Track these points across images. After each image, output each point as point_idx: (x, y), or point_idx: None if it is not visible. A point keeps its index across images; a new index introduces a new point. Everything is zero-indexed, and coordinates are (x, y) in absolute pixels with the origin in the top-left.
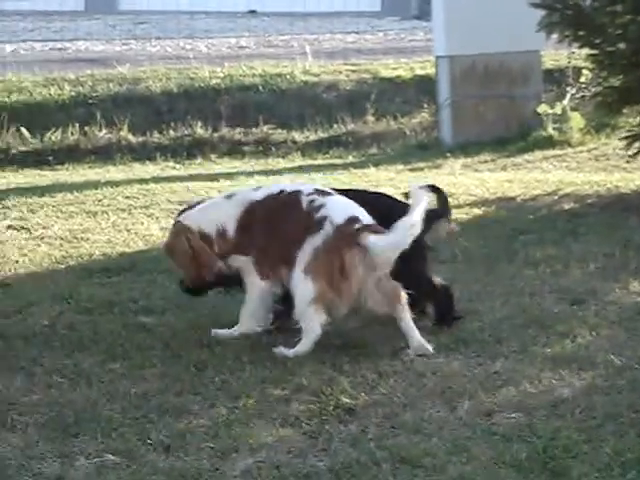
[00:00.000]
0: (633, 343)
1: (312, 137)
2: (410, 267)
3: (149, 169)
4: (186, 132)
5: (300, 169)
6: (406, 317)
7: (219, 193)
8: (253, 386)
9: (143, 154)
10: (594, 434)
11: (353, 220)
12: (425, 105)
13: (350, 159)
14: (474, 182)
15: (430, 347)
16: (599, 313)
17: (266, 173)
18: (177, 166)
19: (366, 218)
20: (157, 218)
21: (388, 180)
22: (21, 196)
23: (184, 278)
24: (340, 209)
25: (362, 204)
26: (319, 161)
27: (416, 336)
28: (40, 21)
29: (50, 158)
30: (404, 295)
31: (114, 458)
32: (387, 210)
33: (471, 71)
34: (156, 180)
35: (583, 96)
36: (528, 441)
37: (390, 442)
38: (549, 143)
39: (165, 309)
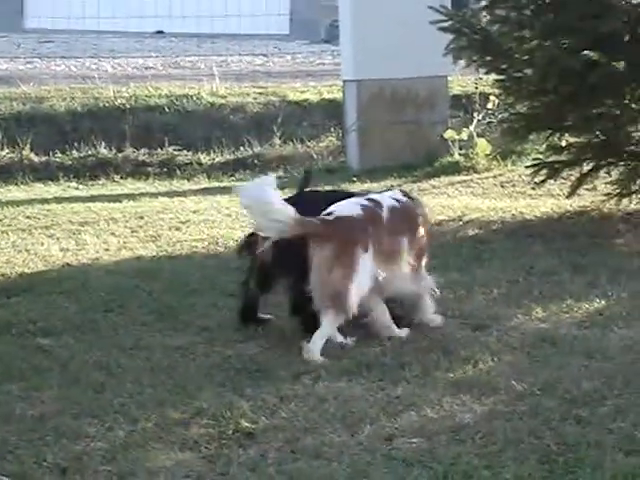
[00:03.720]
0: (535, 369)
1: (218, 159)
2: None
3: (51, 189)
4: (90, 152)
5: (205, 191)
6: None
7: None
8: (152, 409)
9: (45, 174)
10: (494, 460)
11: None
12: (332, 129)
13: None
14: None
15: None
16: (501, 339)
17: (170, 195)
18: (80, 186)
19: None
20: (58, 239)
21: None
22: None
23: None
24: None
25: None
26: (225, 183)
27: None
28: None
29: None
30: None
31: None
32: None
33: (378, 96)
34: (58, 200)
35: (490, 122)
36: (428, 466)
37: (290, 467)
38: (455, 169)
39: (64, 330)
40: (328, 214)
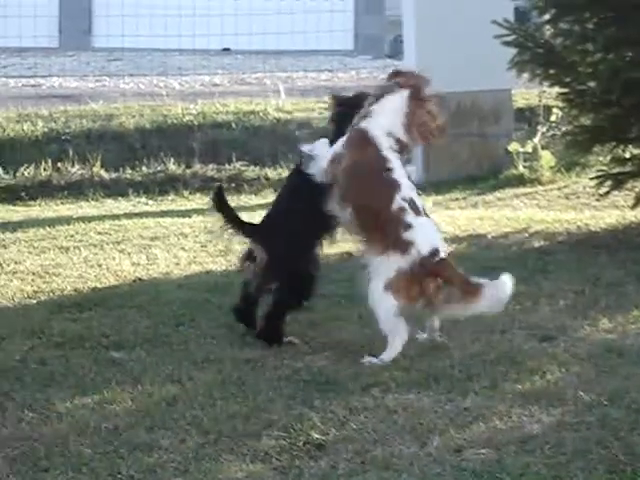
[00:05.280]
0: (602, 380)
1: (285, 174)
2: None
3: (121, 205)
4: (159, 168)
5: None
6: None
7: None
8: (224, 421)
9: (116, 190)
10: (563, 470)
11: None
12: None
13: None
14: (445, 219)
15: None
16: (568, 350)
17: (238, 209)
18: (149, 202)
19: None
20: (129, 254)
21: None
22: None
23: None
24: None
25: None
26: None
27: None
28: (14, 57)
29: (23, 194)
30: None
31: None
32: None
33: (443, 109)
34: (128, 216)
35: (554, 135)
36: (497, 477)
37: (360, 478)
38: (520, 181)
39: (136, 344)
40: None
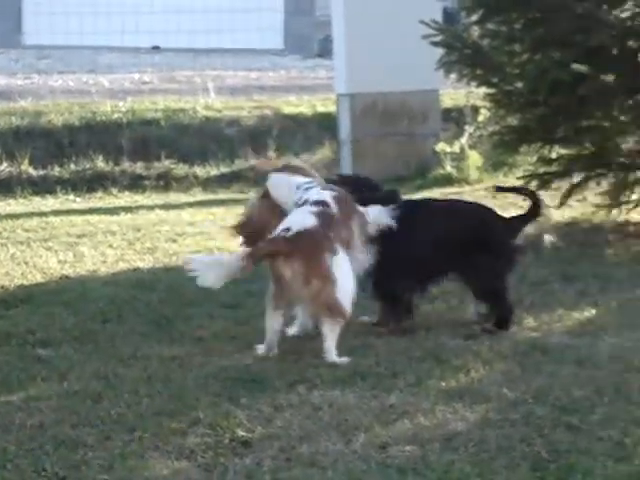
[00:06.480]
0: (526, 377)
1: (214, 172)
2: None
3: (49, 202)
4: (87, 166)
5: (201, 204)
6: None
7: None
8: (149, 419)
9: (43, 187)
10: (487, 467)
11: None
12: (326, 142)
13: (252, 194)
14: None
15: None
16: (493, 348)
17: (166, 207)
18: (77, 199)
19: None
20: (56, 251)
21: None
22: None
23: None
24: None
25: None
26: (220, 196)
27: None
28: None
29: None
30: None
31: None
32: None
33: (371, 109)
34: (56, 213)
35: (481, 135)
36: (422, 474)
37: (285, 475)
38: (447, 181)
39: (62, 341)
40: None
